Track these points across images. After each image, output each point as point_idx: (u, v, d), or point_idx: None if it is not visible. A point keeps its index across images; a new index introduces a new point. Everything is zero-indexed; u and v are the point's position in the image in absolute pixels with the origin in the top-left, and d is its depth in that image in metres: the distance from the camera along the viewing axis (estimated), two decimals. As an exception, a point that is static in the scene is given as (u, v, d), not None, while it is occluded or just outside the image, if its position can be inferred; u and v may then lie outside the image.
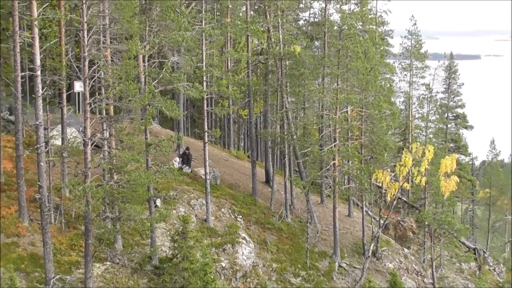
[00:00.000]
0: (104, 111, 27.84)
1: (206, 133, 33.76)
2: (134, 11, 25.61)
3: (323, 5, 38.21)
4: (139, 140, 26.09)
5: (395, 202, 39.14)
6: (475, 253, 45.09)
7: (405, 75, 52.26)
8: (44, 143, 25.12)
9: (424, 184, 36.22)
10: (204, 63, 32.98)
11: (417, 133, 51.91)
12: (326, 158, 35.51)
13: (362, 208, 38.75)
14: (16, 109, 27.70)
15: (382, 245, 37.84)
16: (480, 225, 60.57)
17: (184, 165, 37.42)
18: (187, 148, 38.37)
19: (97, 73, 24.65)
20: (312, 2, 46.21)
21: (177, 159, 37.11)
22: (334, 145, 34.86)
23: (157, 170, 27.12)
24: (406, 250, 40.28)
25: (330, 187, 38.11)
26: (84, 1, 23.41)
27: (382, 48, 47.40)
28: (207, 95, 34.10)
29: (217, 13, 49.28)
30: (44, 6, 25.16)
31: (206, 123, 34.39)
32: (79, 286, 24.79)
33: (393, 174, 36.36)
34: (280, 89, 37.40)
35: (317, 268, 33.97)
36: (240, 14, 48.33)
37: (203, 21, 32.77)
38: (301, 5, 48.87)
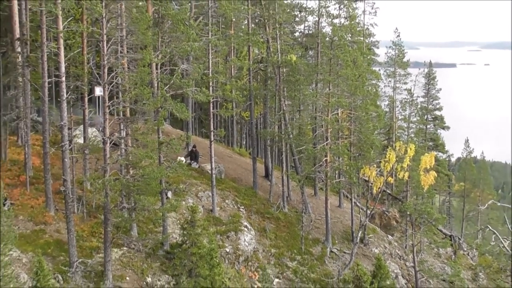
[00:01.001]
0: (121, 113, 27.81)
1: (212, 133, 33.70)
2: (148, 24, 25.55)
3: (317, 19, 38.12)
4: (152, 139, 26.07)
5: (380, 194, 39.15)
6: (451, 240, 45.00)
7: (390, 81, 52.12)
8: (68, 142, 25.14)
9: (406, 178, 36.17)
10: (210, 70, 32.91)
11: (400, 133, 51.79)
12: (319, 155, 35.47)
13: (351, 199, 38.70)
14: (43, 111, 27.70)
15: (368, 233, 37.77)
16: (455, 215, 60.37)
17: (192, 161, 37.34)
18: (194, 146, 38.31)
19: (115, 79, 24.62)
20: (306, 16, 45.98)
21: (181, 158, 36.81)
22: (326, 144, 34.79)
23: (168, 166, 27.09)
24: (390, 237, 40.21)
25: (323, 181, 38.01)
26: (104, 15, 23.38)
27: (369, 57, 47.22)
28: (213, 98, 34.04)
29: (222, 26, 49.18)
30: (69, 20, 25.12)
31: (212, 123, 34.32)
32: (99, 269, 24.77)
33: (378, 170, 36.30)
34: (278, 93, 37.34)
35: (311, 253, 33.92)
36: (243, 27, 48.12)
37: (210, 33, 32.70)
38: (296, 19, 48.65)
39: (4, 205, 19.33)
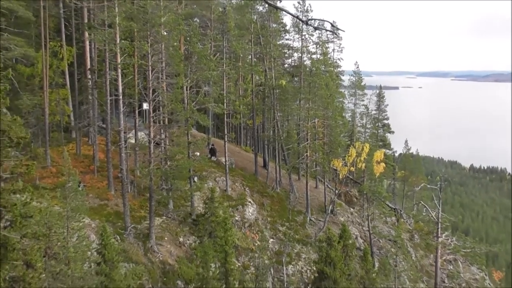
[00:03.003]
0: (161, 121, 27.75)
1: (226, 135, 33.65)
2: (180, 58, 25.51)
3: (300, 55, 38.13)
4: (183, 140, 26.03)
5: (344, 179, 39.02)
6: (395, 211, 44.84)
7: (352, 99, 51.48)
8: (123, 142, 25.06)
9: (363, 168, 36.05)
10: (225, 91, 32.84)
11: (359, 136, 51.53)
12: (301, 151, 35.40)
13: (324, 182, 38.62)
14: (106, 120, 27.64)
15: (337, 206, 37.72)
16: (398, 194, 60.08)
17: (212, 156, 37.25)
18: (212, 144, 38.28)
19: (157, 97, 24.57)
20: (293, 53, 45.88)
21: (197, 153, 36.24)
22: (307, 143, 34.73)
23: (195, 159, 27.01)
24: (351, 209, 40.12)
25: (304, 169, 37.92)
26: (149, 52, 23.33)
27: (337, 82, 47.05)
28: (226, 111, 33.96)
29: (233, 60, 48.98)
30: (124, 55, 25.06)
31: (226, 129, 34.28)
32: (146, 232, 24.74)
33: (343, 162, 36.21)
34: (273, 107, 37.30)
35: (296, 221, 33.85)
36: (248, 60, 47.97)
37: (224, 64, 32.62)
38: (286, 55, 48.54)
39: (79, 186, 19.29)
